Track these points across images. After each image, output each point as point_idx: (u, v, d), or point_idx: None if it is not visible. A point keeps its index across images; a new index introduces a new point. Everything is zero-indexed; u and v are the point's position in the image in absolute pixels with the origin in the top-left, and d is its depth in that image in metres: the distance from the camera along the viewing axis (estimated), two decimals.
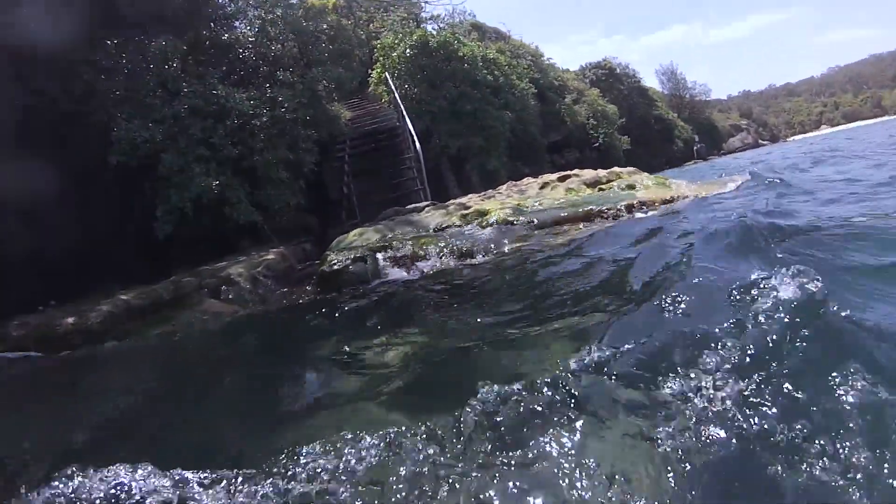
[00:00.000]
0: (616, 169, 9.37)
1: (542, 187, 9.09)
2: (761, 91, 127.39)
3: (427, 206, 8.71)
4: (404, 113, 12.78)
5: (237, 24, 11.83)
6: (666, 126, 42.85)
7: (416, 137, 11.44)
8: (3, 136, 7.41)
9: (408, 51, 17.23)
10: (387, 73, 16.73)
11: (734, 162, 27.82)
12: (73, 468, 2.00)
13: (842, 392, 1.69)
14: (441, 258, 5.75)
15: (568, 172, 9.53)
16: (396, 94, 14.42)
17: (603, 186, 8.43)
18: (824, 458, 1.53)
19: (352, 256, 5.93)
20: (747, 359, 1.97)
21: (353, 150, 13.27)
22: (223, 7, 11.64)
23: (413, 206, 8.96)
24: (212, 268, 7.11)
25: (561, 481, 1.65)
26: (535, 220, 6.44)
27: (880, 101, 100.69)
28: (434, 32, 19.96)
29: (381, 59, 18.15)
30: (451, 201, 8.92)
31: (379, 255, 6.07)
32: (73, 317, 5.50)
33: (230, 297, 6.04)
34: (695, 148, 44.90)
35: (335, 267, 5.83)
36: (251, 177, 9.20)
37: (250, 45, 11.23)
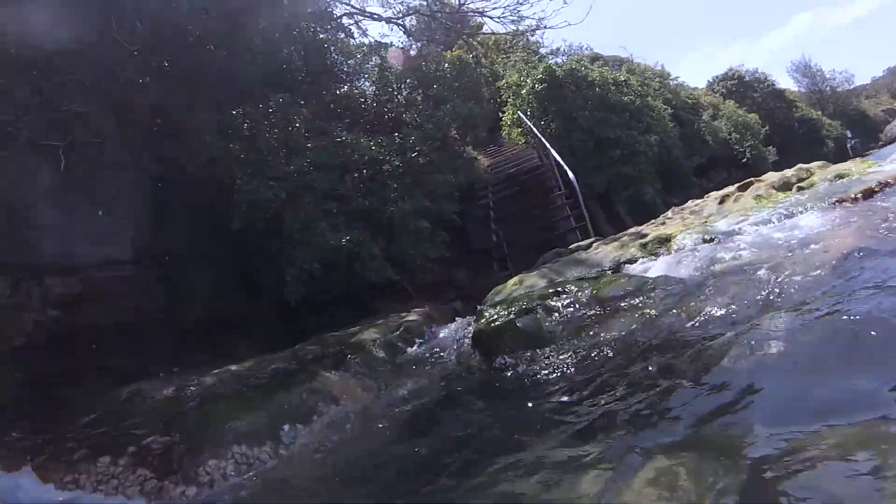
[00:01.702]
0: (803, 165, 7.64)
1: (721, 202, 7.46)
2: None
3: (592, 242, 7.22)
4: (548, 146, 11.49)
5: (359, 80, 11.38)
6: (811, 127, 38.00)
7: (567, 169, 10.05)
8: (138, 205, 7.54)
9: (536, 86, 15.93)
10: (519, 112, 15.58)
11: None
12: None
13: None
14: None
15: (748, 180, 7.86)
16: (536, 130, 13.16)
17: (802, 185, 6.71)
18: None
19: (515, 309, 4.51)
20: None
21: (496, 195, 12.13)
22: (341, 67, 11.16)
23: (576, 244, 7.51)
24: (341, 333, 5.96)
25: None
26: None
27: None
28: (559, 63, 18.57)
29: (510, 98, 17.14)
30: (621, 232, 7.41)
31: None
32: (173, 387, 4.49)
33: (361, 370, 4.78)
34: (848, 145, 39.59)
35: (495, 324, 4.42)
36: (386, 230, 8.20)
37: (372, 94, 10.57)
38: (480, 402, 3.63)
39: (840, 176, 6.46)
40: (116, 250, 7.23)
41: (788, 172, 7.45)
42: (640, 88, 18.89)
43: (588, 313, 4.20)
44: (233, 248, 8.09)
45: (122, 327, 6.81)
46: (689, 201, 8.40)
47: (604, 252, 6.29)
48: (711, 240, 5.23)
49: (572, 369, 3.43)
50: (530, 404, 3.19)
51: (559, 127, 15.00)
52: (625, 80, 18.30)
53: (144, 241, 7.44)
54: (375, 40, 12.95)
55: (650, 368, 2.97)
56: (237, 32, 9.19)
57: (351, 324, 6.61)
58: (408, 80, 11.03)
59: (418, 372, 4.73)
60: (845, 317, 2.63)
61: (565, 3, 15.37)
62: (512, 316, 4.38)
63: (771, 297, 3.27)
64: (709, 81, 38.25)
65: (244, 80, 9.12)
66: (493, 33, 19.85)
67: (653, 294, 4.02)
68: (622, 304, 4.06)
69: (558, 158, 10.69)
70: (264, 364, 5.03)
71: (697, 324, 3.31)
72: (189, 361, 6.26)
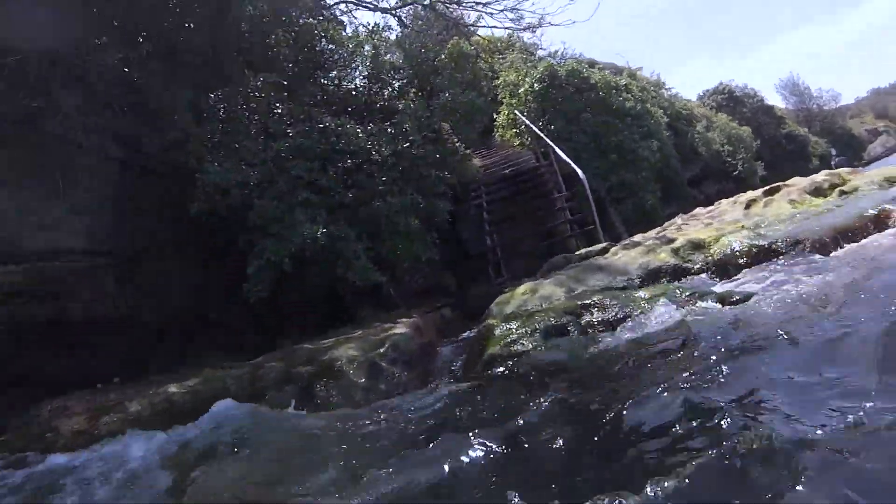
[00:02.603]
0: (833, 171, 7.07)
1: (747, 206, 6.64)
2: (892, 84, 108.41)
3: (607, 246, 6.30)
4: (551, 144, 10.59)
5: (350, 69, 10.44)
6: (799, 143, 38.00)
7: (578, 169, 9.31)
8: (96, 189, 6.65)
9: (536, 85, 15.04)
10: (517, 111, 14.71)
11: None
12: None
13: None
14: None
15: (774, 185, 7.10)
16: (535, 128, 12.25)
17: (845, 189, 6.02)
18: None
19: (541, 326, 3.50)
20: None
21: (490, 196, 11.13)
22: (331, 56, 10.27)
23: (586, 249, 6.59)
24: (313, 346, 4.92)
25: None
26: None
27: None
28: (559, 63, 17.72)
29: (506, 98, 16.24)
30: (644, 235, 6.52)
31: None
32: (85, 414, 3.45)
33: (332, 397, 3.74)
34: (832, 162, 39.32)
35: (516, 347, 3.40)
36: (371, 227, 7.29)
37: (364, 84, 9.83)
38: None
39: (889, 181, 5.74)
40: (68, 238, 6.28)
41: (818, 178, 6.81)
42: (640, 94, 18.20)
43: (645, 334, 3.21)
44: (202, 244, 7.25)
45: (69, 326, 6.04)
46: (698, 208, 7.76)
47: (627, 258, 5.42)
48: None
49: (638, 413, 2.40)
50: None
51: (560, 128, 14.12)
52: (625, 85, 17.59)
53: (101, 230, 6.52)
54: (371, 26, 12.01)
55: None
56: (223, 15, 8.47)
57: (327, 331, 5.64)
58: (402, 70, 10.13)
59: (407, 410, 3.58)
60: None
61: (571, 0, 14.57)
62: (538, 336, 3.38)
63: None
64: (699, 95, 37.87)
65: (227, 64, 8.38)
66: (492, 27, 18.96)
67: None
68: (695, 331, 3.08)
69: (566, 158, 9.81)
70: (212, 383, 3.99)
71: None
72: (140, 368, 5.61)
